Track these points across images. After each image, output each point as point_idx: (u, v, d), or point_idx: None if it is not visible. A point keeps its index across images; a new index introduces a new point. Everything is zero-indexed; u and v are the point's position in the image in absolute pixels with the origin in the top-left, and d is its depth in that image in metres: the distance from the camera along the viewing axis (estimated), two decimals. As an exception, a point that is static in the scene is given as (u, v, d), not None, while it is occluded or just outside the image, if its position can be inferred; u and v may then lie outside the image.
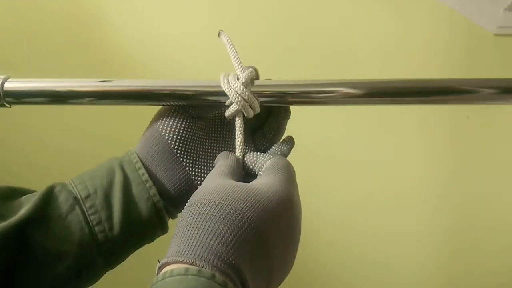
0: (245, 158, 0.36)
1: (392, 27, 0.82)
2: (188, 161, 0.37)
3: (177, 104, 0.38)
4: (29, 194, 0.36)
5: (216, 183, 0.30)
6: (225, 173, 0.32)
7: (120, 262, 0.37)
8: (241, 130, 0.36)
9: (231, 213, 0.26)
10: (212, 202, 0.27)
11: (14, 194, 0.36)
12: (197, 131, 0.38)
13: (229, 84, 0.35)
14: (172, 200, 0.37)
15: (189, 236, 0.26)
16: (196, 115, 0.38)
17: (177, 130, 0.37)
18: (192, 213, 0.27)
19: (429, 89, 0.37)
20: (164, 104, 0.39)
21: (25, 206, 0.34)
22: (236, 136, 0.36)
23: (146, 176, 0.36)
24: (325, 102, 0.38)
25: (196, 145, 0.38)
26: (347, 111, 0.84)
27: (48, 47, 0.86)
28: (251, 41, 0.80)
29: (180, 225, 0.27)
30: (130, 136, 0.88)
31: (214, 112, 0.39)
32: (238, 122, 0.36)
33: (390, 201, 0.88)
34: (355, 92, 0.37)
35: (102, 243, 0.35)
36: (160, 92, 0.38)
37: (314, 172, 0.87)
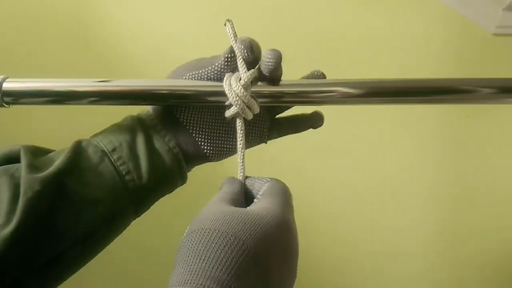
0: (245, 182, 0.36)
1: (390, 26, 0.82)
2: (195, 128, 0.39)
3: (177, 103, 0.39)
4: (56, 151, 0.38)
5: (215, 209, 0.30)
6: (226, 200, 0.32)
7: (146, 211, 0.40)
8: (242, 131, 0.36)
9: (232, 240, 0.27)
10: (213, 230, 0.28)
11: (40, 151, 0.38)
12: None
13: (230, 85, 0.35)
14: (183, 157, 0.40)
15: (191, 264, 0.26)
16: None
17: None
18: (193, 241, 0.28)
19: (428, 89, 0.37)
20: (164, 104, 0.39)
21: (58, 159, 0.36)
22: (237, 138, 0.36)
23: (163, 131, 0.39)
24: (324, 102, 0.38)
25: (203, 114, 0.39)
26: (345, 106, 0.84)
27: (48, 46, 0.86)
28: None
29: (181, 253, 0.28)
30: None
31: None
32: (239, 124, 0.36)
33: (388, 196, 0.88)
34: (354, 92, 0.37)
35: (133, 191, 0.37)
36: (159, 92, 0.38)
37: (312, 166, 0.87)
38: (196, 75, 0.38)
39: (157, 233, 0.87)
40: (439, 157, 0.86)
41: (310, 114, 0.41)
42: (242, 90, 0.35)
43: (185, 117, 0.39)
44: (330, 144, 0.86)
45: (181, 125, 0.39)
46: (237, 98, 0.35)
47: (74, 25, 0.85)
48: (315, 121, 0.41)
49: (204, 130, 0.39)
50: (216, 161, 0.41)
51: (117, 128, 0.39)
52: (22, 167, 0.35)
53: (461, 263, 0.90)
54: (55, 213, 0.34)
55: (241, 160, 0.36)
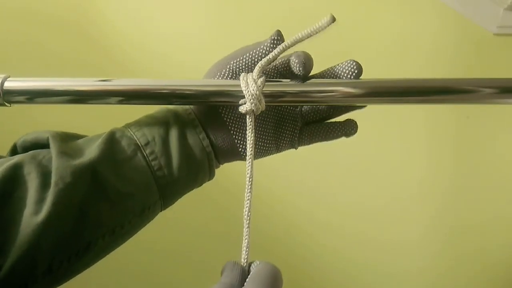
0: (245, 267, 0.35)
1: (391, 27, 0.82)
2: (233, 125, 0.40)
3: (178, 103, 0.39)
4: (86, 137, 0.39)
5: None
6: None
7: (172, 204, 0.40)
8: (252, 127, 0.37)
9: None
10: None
11: (69, 137, 0.38)
12: None
13: (247, 84, 0.37)
14: (216, 153, 0.41)
15: None
16: None
17: None
18: None
19: (429, 89, 0.37)
20: (166, 103, 0.39)
21: (90, 148, 0.36)
22: (247, 133, 0.37)
23: (200, 128, 0.39)
24: (325, 101, 0.38)
25: (244, 114, 0.39)
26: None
27: (47, 48, 0.86)
28: (251, 41, 0.80)
29: None
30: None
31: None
32: (250, 120, 0.37)
33: (388, 205, 0.88)
34: (355, 91, 0.37)
35: (163, 187, 0.38)
36: (161, 91, 0.38)
37: (311, 173, 0.87)
38: (241, 61, 0.38)
39: (160, 230, 0.87)
40: (437, 157, 0.86)
41: (343, 121, 0.41)
42: (257, 89, 0.36)
43: (228, 116, 0.39)
44: (337, 159, 0.86)
45: (223, 123, 0.40)
46: (252, 96, 0.36)
47: (74, 29, 0.86)
48: (348, 128, 0.41)
49: (243, 130, 0.40)
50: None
51: (151, 120, 0.39)
52: (52, 155, 0.34)
53: (468, 279, 0.90)
54: (87, 205, 0.34)
55: (249, 163, 0.37)
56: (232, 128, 0.40)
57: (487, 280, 0.89)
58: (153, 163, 0.37)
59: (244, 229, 0.36)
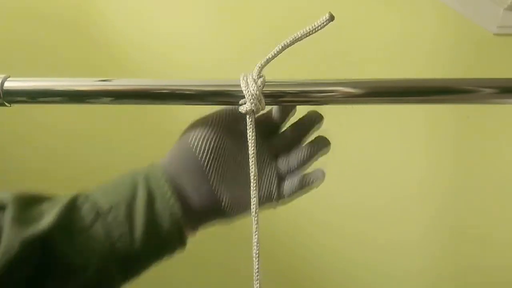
0: None
1: (391, 27, 0.82)
2: (215, 177, 0.37)
3: (179, 103, 0.39)
4: (51, 201, 0.36)
5: None
6: None
7: (137, 277, 0.37)
8: (253, 127, 0.37)
9: None
10: None
11: (33, 200, 0.36)
12: (227, 147, 0.38)
13: (247, 84, 0.37)
14: (194, 214, 0.38)
15: None
16: (227, 128, 0.39)
17: (208, 145, 0.37)
18: None
19: (429, 89, 0.37)
20: (166, 103, 0.39)
21: (48, 215, 0.34)
22: (248, 132, 0.37)
23: (169, 193, 0.36)
24: (325, 101, 0.38)
25: (224, 162, 0.38)
26: (344, 112, 0.84)
27: (47, 48, 0.86)
28: (250, 41, 0.80)
29: None
30: (126, 137, 0.89)
31: (244, 126, 0.39)
32: (250, 120, 0.37)
33: (388, 205, 0.88)
34: (355, 91, 0.37)
35: (123, 258, 0.35)
36: (161, 91, 0.38)
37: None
38: None
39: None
40: (437, 157, 0.86)
41: (312, 171, 0.41)
42: (257, 89, 0.36)
43: (210, 168, 0.37)
44: (336, 159, 0.85)
45: (203, 178, 0.37)
46: (252, 96, 0.36)
47: (74, 29, 0.86)
48: (311, 119, 0.41)
49: (224, 182, 0.38)
50: (230, 216, 0.39)
51: (119, 183, 0.37)
52: (5, 222, 0.32)
53: (468, 280, 0.90)
54: (35, 279, 0.32)
55: (252, 162, 0.37)
56: (213, 181, 0.37)
57: (487, 281, 0.89)
58: (114, 231, 0.34)
59: (253, 228, 0.36)
